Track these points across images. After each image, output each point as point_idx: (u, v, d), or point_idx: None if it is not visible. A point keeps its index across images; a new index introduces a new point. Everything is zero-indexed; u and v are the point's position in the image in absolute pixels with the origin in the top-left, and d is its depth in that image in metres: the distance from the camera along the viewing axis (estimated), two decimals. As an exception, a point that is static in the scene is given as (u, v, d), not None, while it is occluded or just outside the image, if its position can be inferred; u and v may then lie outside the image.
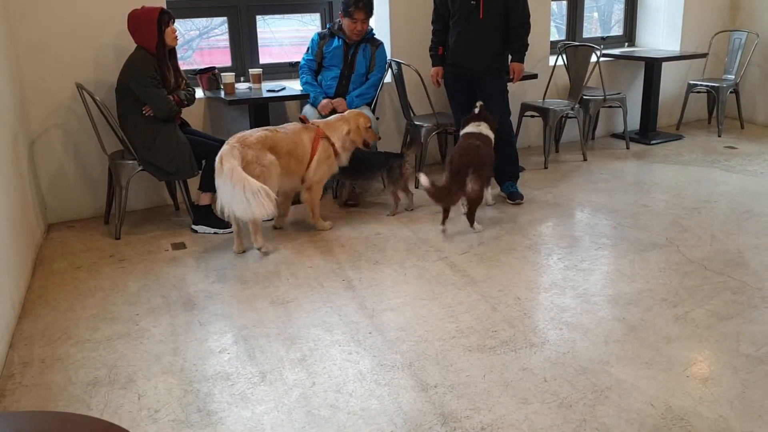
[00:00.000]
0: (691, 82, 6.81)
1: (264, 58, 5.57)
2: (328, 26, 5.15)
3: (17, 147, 3.96)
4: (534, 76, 5.65)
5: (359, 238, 4.31)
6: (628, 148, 6.30)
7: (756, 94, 6.99)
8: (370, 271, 3.82)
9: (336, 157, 4.42)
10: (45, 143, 4.55)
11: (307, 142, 4.28)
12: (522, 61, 4.79)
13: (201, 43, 5.87)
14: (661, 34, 6.96)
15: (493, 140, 4.53)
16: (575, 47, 6.00)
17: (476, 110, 4.59)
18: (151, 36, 4.12)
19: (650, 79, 6.47)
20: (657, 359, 2.86)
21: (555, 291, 3.53)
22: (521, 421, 2.49)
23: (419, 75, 5.09)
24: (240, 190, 3.71)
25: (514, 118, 5.42)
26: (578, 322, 3.19)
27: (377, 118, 5.21)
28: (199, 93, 4.96)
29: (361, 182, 4.74)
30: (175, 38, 4.27)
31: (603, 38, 7.01)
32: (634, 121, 6.67)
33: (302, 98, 4.98)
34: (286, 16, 5.95)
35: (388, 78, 5.41)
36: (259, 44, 5.51)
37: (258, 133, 4.10)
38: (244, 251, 4.14)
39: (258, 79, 5.00)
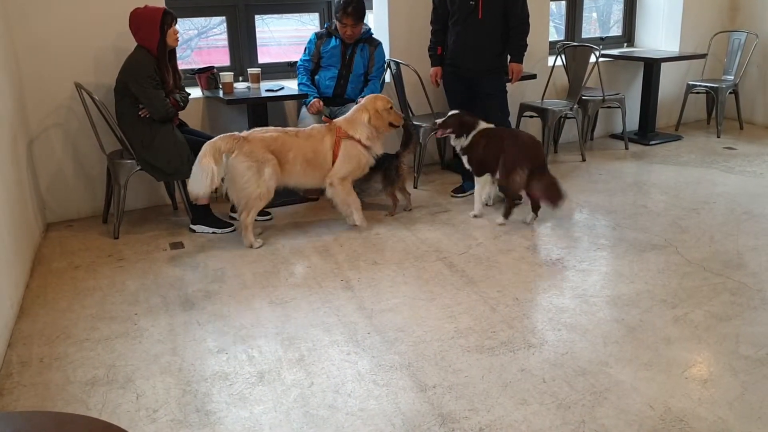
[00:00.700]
0: (691, 82, 6.81)
1: (262, 58, 5.56)
2: (325, 26, 5.15)
3: (16, 146, 3.96)
4: (533, 77, 5.65)
5: (358, 238, 4.30)
6: (627, 148, 6.30)
7: (755, 94, 6.99)
8: (368, 271, 3.82)
9: (367, 150, 4.38)
10: (44, 143, 4.55)
11: (328, 147, 4.28)
12: (521, 61, 4.80)
13: (200, 42, 5.86)
14: (660, 34, 6.96)
15: None
16: (574, 47, 6.00)
17: (458, 115, 4.56)
18: (153, 36, 4.12)
19: (649, 79, 6.47)
20: (656, 360, 2.86)
21: (554, 292, 3.53)
22: (520, 422, 2.48)
23: (418, 75, 5.08)
24: (197, 163, 3.92)
25: (513, 119, 5.42)
26: (577, 323, 3.19)
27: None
28: (198, 92, 4.96)
29: (359, 183, 4.73)
30: (176, 39, 4.27)
31: (602, 38, 7.00)
32: (633, 122, 6.67)
33: (300, 98, 4.97)
34: (284, 15, 5.95)
35: (386, 78, 5.40)
36: (258, 44, 5.50)
37: (270, 133, 4.16)
38: (255, 245, 4.19)
39: (256, 79, 5.00)
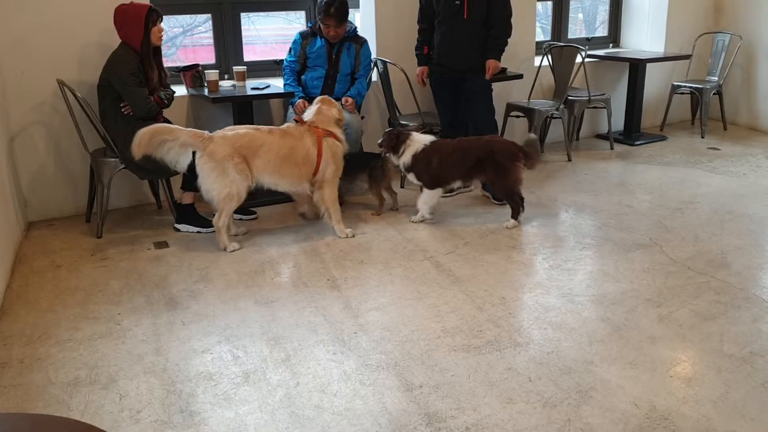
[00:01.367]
0: (675, 83, 6.84)
1: (248, 56, 5.54)
2: (309, 24, 5.10)
3: (-3, 144, 3.91)
4: (519, 77, 5.65)
5: (344, 238, 4.28)
6: (612, 148, 6.33)
7: (739, 95, 7.04)
8: (355, 270, 3.80)
9: (342, 146, 4.36)
10: (25, 140, 4.50)
11: (310, 146, 4.18)
12: (497, 58, 4.77)
13: (185, 40, 5.82)
14: (645, 35, 7.00)
15: None
16: (560, 48, 6.02)
17: (390, 132, 4.57)
18: (137, 33, 4.08)
19: (634, 80, 6.50)
20: (641, 359, 2.87)
21: (540, 291, 3.53)
22: (506, 421, 2.48)
23: (405, 74, 5.07)
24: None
25: (499, 118, 5.43)
26: (563, 321, 3.19)
27: (362, 117, 5.19)
28: (183, 90, 4.93)
29: (344, 182, 4.72)
30: (161, 38, 4.23)
31: (588, 39, 7.03)
32: (619, 122, 6.69)
33: (286, 96, 4.94)
34: (270, 13, 5.92)
35: (373, 77, 5.39)
36: (244, 42, 5.47)
37: (237, 130, 4.08)
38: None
39: (242, 77, 4.96)
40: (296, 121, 4.37)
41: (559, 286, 3.57)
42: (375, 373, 2.80)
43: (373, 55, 5.27)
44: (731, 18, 6.98)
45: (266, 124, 4.53)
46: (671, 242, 4.10)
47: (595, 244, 4.12)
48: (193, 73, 4.90)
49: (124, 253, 4.09)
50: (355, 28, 5.06)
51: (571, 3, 6.79)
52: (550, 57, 6.04)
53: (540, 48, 6.27)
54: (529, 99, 5.90)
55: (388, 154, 4.52)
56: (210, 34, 5.40)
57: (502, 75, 5.00)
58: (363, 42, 5.04)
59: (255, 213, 4.68)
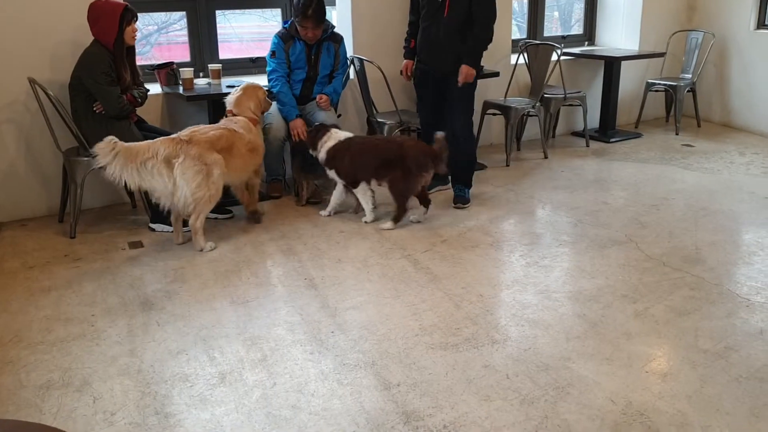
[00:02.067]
0: (650, 81, 6.90)
1: (224, 54, 5.49)
2: (285, 25, 5.00)
3: (-34, 143, 3.84)
4: (495, 75, 5.67)
5: (321, 236, 4.27)
6: (588, 146, 6.37)
7: (712, 92, 7.12)
8: (332, 269, 3.79)
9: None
10: (-4, 139, 4.43)
11: (257, 136, 4.33)
12: (472, 64, 4.53)
13: (160, 38, 5.76)
14: (620, 33, 7.05)
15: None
16: (536, 46, 6.04)
17: (314, 127, 4.58)
18: (111, 31, 4.03)
19: (609, 77, 6.54)
20: (617, 355, 2.89)
21: (517, 288, 3.54)
22: (483, 419, 2.48)
23: (382, 72, 5.06)
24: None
25: (476, 117, 5.41)
26: (539, 318, 3.20)
27: (339, 115, 5.17)
28: (158, 88, 4.87)
29: (322, 180, 4.70)
30: (134, 37, 4.19)
31: (563, 37, 7.07)
32: (594, 120, 6.74)
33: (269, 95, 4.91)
34: (246, 11, 5.87)
35: (350, 74, 5.37)
36: (219, 39, 5.42)
37: (213, 132, 4.04)
38: (184, 242, 4.16)
39: (217, 75, 4.93)
40: (229, 113, 4.37)
41: (535, 282, 3.59)
42: (352, 373, 2.79)
43: (350, 53, 5.25)
44: (704, 16, 7.06)
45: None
46: (646, 238, 4.13)
47: (571, 241, 4.14)
48: (167, 71, 4.85)
49: (98, 254, 4.04)
50: (333, 26, 5.02)
51: (546, 1, 6.81)
52: (526, 55, 6.05)
53: (516, 46, 6.29)
54: (505, 97, 5.91)
55: (311, 150, 4.55)
56: (185, 31, 5.35)
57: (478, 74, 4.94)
58: (341, 39, 5.02)
59: (231, 212, 4.64)
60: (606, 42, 7.18)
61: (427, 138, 4.64)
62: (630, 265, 3.77)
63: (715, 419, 2.47)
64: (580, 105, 6.29)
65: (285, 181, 5.18)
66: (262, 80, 5.06)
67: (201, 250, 4.02)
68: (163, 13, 5.55)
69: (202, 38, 5.32)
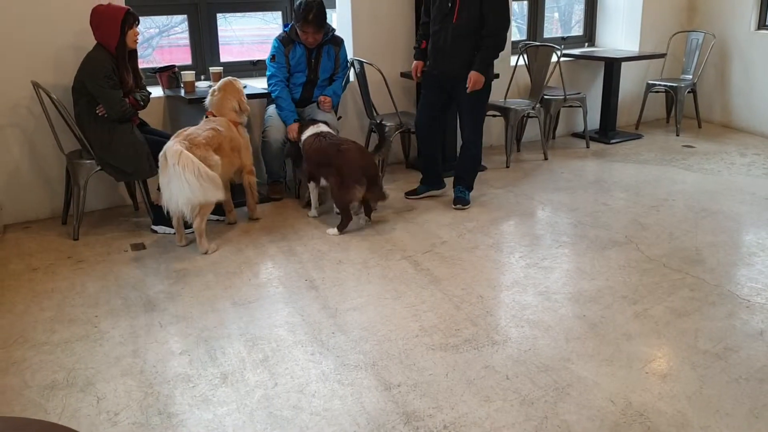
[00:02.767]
0: (650, 81, 6.92)
1: (225, 57, 5.51)
2: (285, 28, 5.03)
3: (-30, 146, 3.86)
4: (495, 76, 5.67)
5: (322, 237, 4.29)
6: (588, 147, 6.38)
7: (713, 93, 7.13)
8: (333, 270, 3.80)
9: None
10: (0, 142, 4.45)
11: (237, 135, 4.37)
12: (480, 71, 4.47)
13: (161, 41, 5.79)
14: (620, 34, 7.07)
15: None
16: (536, 47, 6.06)
17: (307, 122, 4.66)
18: (113, 35, 4.06)
19: (610, 79, 6.56)
20: (617, 356, 2.90)
21: (517, 289, 3.56)
22: (483, 419, 2.50)
23: (382, 74, 5.08)
24: (191, 173, 3.75)
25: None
26: (539, 319, 3.22)
27: (339, 117, 5.19)
28: (159, 91, 4.90)
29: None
30: (136, 41, 4.21)
31: (563, 38, 7.08)
32: (594, 121, 6.76)
33: (262, 97, 4.93)
34: (246, 14, 5.90)
35: (350, 77, 5.39)
36: (220, 42, 5.45)
37: (205, 132, 4.07)
38: (187, 244, 4.18)
39: (218, 78, 4.93)
40: (210, 114, 4.39)
41: (535, 284, 3.60)
42: (353, 373, 2.81)
43: (350, 56, 5.27)
44: (705, 17, 7.07)
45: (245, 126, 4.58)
46: (647, 239, 4.15)
47: (571, 242, 4.15)
48: (169, 74, 4.88)
49: (100, 255, 4.06)
50: (333, 29, 5.04)
51: (546, 2, 6.83)
52: (525, 56, 6.07)
53: (516, 47, 6.31)
54: (505, 98, 5.94)
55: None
56: (186, 34, 5.37)
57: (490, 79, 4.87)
58: (341, 43, 5.04)
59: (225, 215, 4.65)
60: (606, 43, 7.20)
61: (421, 139, 4.64)
62: (630, 267, 3.78)
63: (714, 420, 2.48)
64: (580, 106, 6.30)
65: (286, 183, 5.20)
66: (262, 83, 5.09)
67: (206, 252, 4.04)
68: (164, 17, 5.57)
69: (203, 41, 5.35)
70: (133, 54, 4.28)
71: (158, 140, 4.28)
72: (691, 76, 6.87)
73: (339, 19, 5.63)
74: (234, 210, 4.56)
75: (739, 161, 5.81)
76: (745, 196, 4.90)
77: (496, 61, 4.64)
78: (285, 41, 4.89)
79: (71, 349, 3.03)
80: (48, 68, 4.43)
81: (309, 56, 4.89)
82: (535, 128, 6.28)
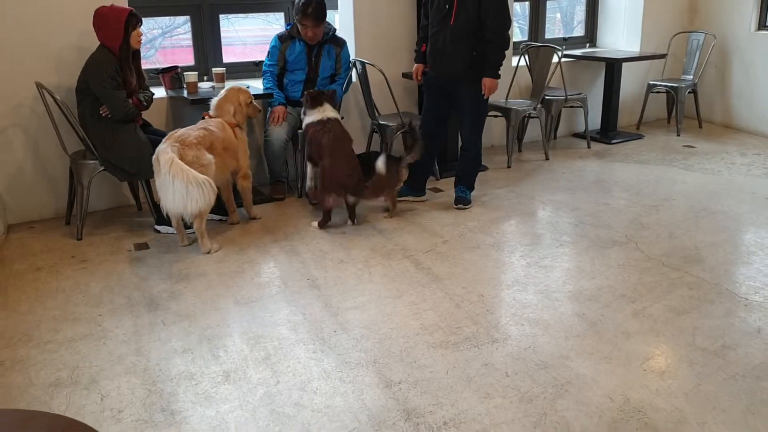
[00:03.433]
0: (651, 82, 6.94)
1: (227, 57, 5.54)
2: (287, 27, 5.08)
3: (-25, 146, 3.89)
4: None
5: (324, 236, 4.31)
6: (589, 147, 6.40)
7: (713, 94, 7.15)
8: (334, 269, 3.83)
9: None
10: (3, 143, 4.48)
11: (233, 137, 4.37)
12: (493, 76, 4.50)
13: (164, 41, 5.82)
14: (621, 35, 7.09)
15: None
16: (537, 48, 6.08)
17: (314, 94, 4.62)
18: (116, 36, 4.08)
19: (611, 79, 6.58)
20: (616, 354, 2.93)
21: (517, 288, 3.58)
22: (483, 416, 2.52)
23: (384, 75, 5.10)
24: (181, 182, 3.74)
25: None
26: (539, 317, 3.25)
27: (342, 117, 5.21)
28: (162, 92, 4.93)
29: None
30: (140, 42, 4.24)
31: (565, 39, 7.10)
32: (595, 121, 6.78)
33: (265, 98, 4.96)
34: (249, 15, 5.93)
35: (352, 77, 5.42)
36: (223, 43, 5.48)
37: (195, 132, 4.09)
38: (189, 244, 4.20)
39: (221, 78, 4.98)
40: (206, 115, 4.41)
41: (536, 282, 3.63)
42: (354, 371, 2.83)
43: (352, 56, 5.30)
44: (705, 17, 7.09)
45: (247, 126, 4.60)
46: (647, 239, 4.17)
47: (571, 242, 4.18)
48: (172, 75, 4.91)
49: (104, 255, 4.10)
50: (335, 29, 5.07)
51: (548, 3, 6.86)
52: (527, 57, 6.10)
53: (517, 48, 6.33)
54: (506, 99, 5.96)
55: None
56: (189, 35, 5.41)
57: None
58: (343, 44, 5.07)
59: (227, 215, 4.68)
60: (607, 44, 7.22)
61: (428, 146, 4.66)
62: (630, 266, 3.80)
63: (711, 416, 2.51)
64: (581, 106, 6.32)
65: (288, 183, 5.22)
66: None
67: (208, 252, 4.07)
68: (167, 18, 5.61)
69: (206, 42, 5.38)
70: (137, 55, 4.31)
71: (161, 141, 4.31)
72: (691, 77, 6.88)
73: (341, 20, 5.66)
74: (236, 210, 4.58)
75: (739, 161, 5.82)
76: (745, 196, 4.92)
77: (496, 62, 4.63)
78: (283, 38, 4.97)
79: (75, 347, 3.06)
80: (51, 69, 4.47)
81: (309, 54, 4.93)
82: (537, 128, 6.30)
